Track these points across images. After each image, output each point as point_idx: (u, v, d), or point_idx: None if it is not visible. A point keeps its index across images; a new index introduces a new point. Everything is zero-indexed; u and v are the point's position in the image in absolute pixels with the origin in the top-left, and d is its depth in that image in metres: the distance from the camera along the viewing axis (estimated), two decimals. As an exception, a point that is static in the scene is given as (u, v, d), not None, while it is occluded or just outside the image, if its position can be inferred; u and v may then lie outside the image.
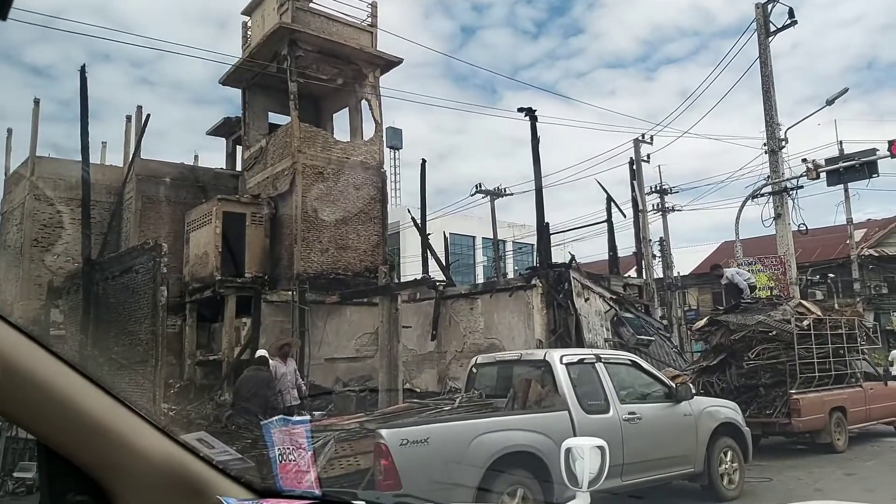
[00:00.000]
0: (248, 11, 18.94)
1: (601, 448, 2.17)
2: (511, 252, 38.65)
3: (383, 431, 5.59)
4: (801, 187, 17.12)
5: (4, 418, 1.20)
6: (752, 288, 13.50)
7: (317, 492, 1.77)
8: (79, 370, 1.20)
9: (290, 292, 15.22)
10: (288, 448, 1.80)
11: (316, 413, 10.66)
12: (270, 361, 10.79)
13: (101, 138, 39.75)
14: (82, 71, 14.08)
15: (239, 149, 20.39)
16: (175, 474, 1.28)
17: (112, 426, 1.21)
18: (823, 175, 17.21)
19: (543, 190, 15.33)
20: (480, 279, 33.70)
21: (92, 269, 14.42)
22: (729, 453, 7.82)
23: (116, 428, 1.22)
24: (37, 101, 18.66)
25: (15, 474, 8.86)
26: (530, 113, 15.40)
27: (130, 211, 17.94)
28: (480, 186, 29.66)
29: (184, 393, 14.45)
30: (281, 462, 1.84)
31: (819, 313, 12.18)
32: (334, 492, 2.07)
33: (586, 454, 2.14)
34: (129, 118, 20.14)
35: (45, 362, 1.15)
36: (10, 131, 21.87)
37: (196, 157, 22.81)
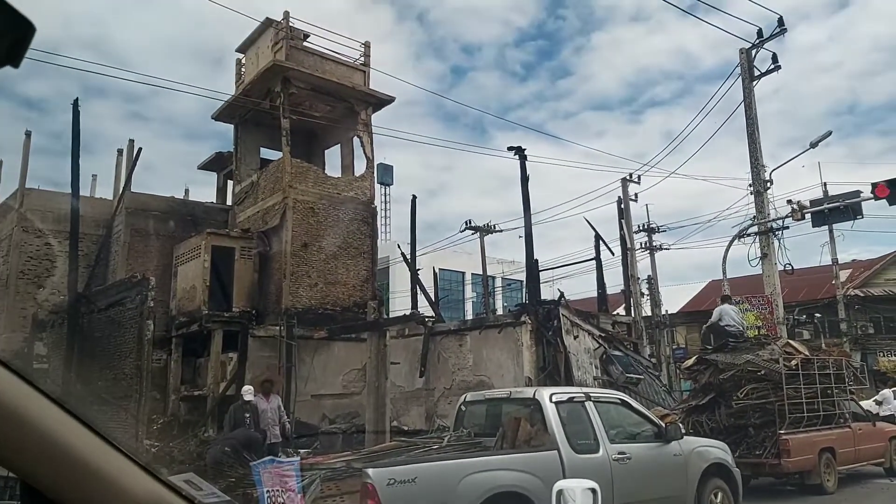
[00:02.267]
0: (242, 49, 19.22)
1: (593, 490, 2.16)
2: (500, 289, 38.69)
3: (370, 471, 5.50)
4: (787, 228, 17.26)
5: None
6: (729, 334, 12.77)
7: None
8: (62, 406, 1.17)
9: (277, 327, 15.10)
10: (276, 489, 1.77)
11: (301, 451, 10.50)
12: (252, 398, 10.67)
13: (91, 171, 39.77)
14: (75, 104, 14.17)
15: (230, 183, 20.45)
16: None
17: (96, 465, 1.18)
18: (808, 216, 17.44)
19: (533, 227, 15.46)
20: (469, 315, 33.60)
21: (78, 301, 14.28)
22: (719, 494, 7.76)
23: (101, 466, 1.19)
24: (28, 133, 18.75)
25: (-9, 513, 8.61)
26: (520, 152, 15.56)
27: (119, 244, 17.88)
28: (470, 223, 29.82)
29: (167, 429, 14.20)
30: (269, 503, 1.81)
31: (807, 353, 12.21)
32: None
33: (578, 496, 2.13)
34: (120, 151, 20.26)
35: (28, 397, 1.12)
36: (-1, 162, 21.91)
37: (186, 191, 22.92)
